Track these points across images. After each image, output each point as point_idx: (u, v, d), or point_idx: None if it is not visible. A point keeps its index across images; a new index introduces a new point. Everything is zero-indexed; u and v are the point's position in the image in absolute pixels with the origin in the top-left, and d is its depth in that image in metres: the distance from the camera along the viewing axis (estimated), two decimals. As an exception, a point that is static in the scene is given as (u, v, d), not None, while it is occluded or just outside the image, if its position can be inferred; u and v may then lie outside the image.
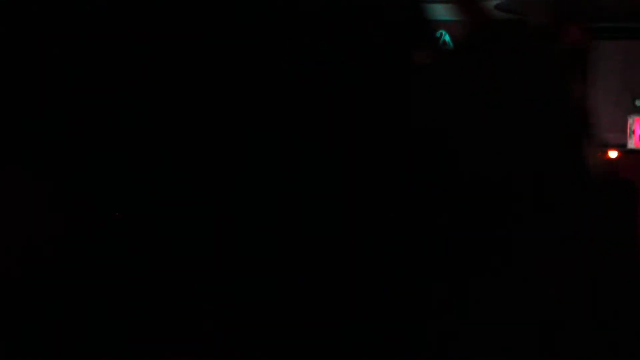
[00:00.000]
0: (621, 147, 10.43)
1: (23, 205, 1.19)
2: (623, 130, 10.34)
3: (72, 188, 1.18)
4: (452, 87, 1.15)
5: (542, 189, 1.14)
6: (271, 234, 1.16)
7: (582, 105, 1.20)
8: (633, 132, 10.54)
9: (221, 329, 1.17)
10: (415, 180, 1.15)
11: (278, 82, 1.19)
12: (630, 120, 10.45)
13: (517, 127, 1.14)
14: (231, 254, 1.17)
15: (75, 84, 1.19)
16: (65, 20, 1.19)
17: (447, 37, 1.22)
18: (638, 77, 10.56)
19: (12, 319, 1.16)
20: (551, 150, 1.15)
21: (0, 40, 1.17)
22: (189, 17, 1.19)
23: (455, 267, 1.12)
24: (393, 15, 1.23)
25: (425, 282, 1.14)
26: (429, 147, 1.15)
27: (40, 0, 1.20)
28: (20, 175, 1.18)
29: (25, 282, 1.17)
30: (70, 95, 1.19)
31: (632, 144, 10.40)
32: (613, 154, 8.88)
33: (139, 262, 1.17)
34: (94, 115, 1.18)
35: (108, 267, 1.17)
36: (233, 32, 1.19)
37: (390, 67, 1.21)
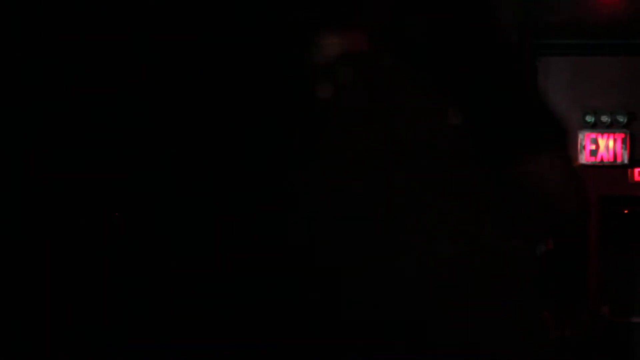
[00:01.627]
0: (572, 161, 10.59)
1: (21, 204, 1.18)
2: (574, 146, 10.50)
3: (71, 187, 1.17)
4: None
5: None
6: (272, 234, 1.17)
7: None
8: (584, 147, 10.70)
9: (221, 329, 1.17)
10: None
11: (278, 82, 1.19)
12: (580, 136, 10.62)
13: None
14: (231, 254, 1.17)
15: (74, 84, 1.19)
16: (65, 20, 1.18)
17: None
18: (588, 93, 10.74)
19: (12, 319, 1.15)
20: None
21: None
22: (188, 17, 1.20)
23: None
24: None
25: None
26: None
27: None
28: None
29: (25, 283, 1.16)
30: (70, 95, 1.18)
31: (583, 159, 10.57)
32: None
33: (138, 262, 1.17)
34: (93, 115, 1.18)
35: (108, 267, 1.17)
36: (232, 32, 1.20)
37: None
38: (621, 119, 10.34)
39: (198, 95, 1.20)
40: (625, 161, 10.34)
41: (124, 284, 1.17)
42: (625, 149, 10.34)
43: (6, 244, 1.16)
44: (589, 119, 10.41)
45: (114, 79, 1.19)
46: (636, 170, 10.30)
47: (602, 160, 10.42)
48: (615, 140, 10.37)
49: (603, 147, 10.48)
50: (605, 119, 10.42)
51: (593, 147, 10.49)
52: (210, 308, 1.17)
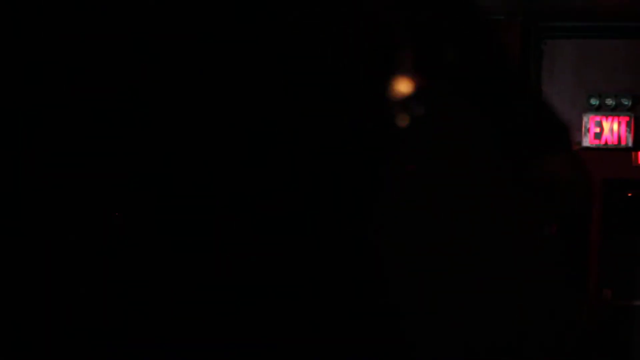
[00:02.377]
0: (576, 145, 10.57)
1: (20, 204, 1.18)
2: (578, 129, 10.48)
3: (71, 187, 1.17)
4: None
5: None
6: (272, 234, 1.17)
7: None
8: (588, 130, 10.68)
9: (221, 329, 1.17)
10: None
11: (278, 82, 1.19)
12: (585, 119, 10.59)
13: None
14: (231, 254, 1.17)
15: (74, 84, 1.19)
16: (66, 20, 1.18)
17: None
18: (593, 76, 10.70)
19: (12, 319, 1.16)
20: None
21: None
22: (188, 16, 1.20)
23: None
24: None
25: None
26: None
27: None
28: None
29: (25, 283, 1.16)
30: (70, 95, 1.18)
31: (587, 141, 10.55)
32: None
33: (138, 262, 1.17)
34: (93, 115, 1.18)
35: (108, 267, 1.17)
36: (233, 32, 1.20)
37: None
38: (626, 102, 10.30)
39: (198, 95, 1.19)
40: (630, 144, 10.31)
41: (124, 284, 1.17)
42: (630, 132, 10.31)
43: (6, 244, 1.16)
44: (594, 101, 10.37)
45: (114, 79, 1.19)
46: (640, 153, 10.28)
47: (606, 143, 10.39)
48: (619, 123, 10.34)
49: (607, 130, 10.44)
50: (609, 101, 10.38)
51: (597, 130, 10.45)
52: (210, 308, 1.18)
